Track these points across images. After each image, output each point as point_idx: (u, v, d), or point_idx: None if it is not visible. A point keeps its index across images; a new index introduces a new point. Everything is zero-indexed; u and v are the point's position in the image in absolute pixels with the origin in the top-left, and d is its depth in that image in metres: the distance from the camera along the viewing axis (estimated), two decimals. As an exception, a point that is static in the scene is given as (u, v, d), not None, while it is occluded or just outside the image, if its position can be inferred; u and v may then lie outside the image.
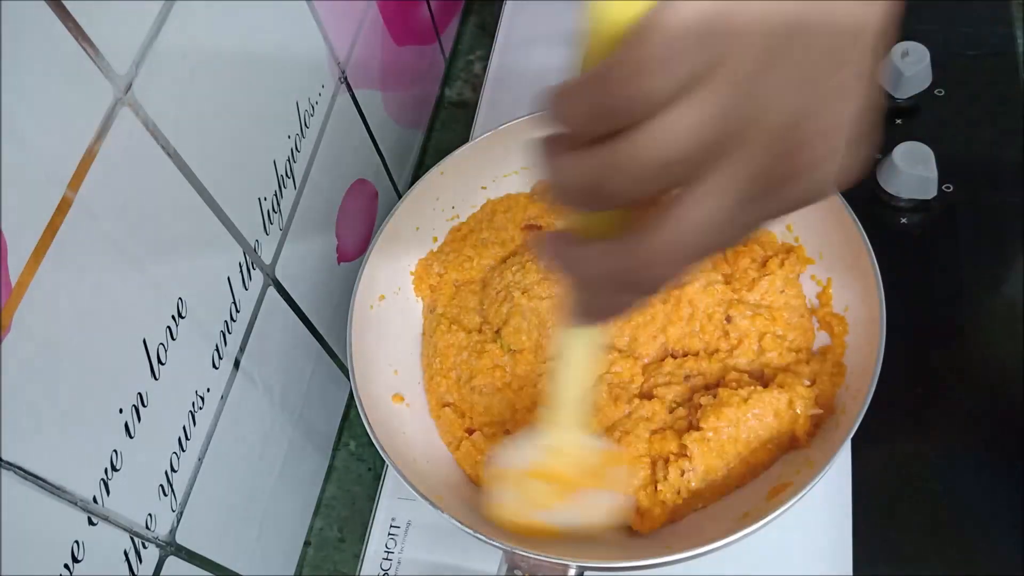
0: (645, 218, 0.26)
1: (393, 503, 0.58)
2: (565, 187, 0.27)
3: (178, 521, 0.44)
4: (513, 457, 0.43)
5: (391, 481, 0.59)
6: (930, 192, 0.62)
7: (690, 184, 0.25)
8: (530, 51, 0.77)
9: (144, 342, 0.40)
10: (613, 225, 0.29)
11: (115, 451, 0.38)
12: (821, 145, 0.26)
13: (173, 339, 0.42)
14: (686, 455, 0.49)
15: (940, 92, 0.68)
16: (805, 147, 0.26)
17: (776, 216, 0.28)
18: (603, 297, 0.30)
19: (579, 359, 0.38)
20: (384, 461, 0.50)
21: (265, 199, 0.50)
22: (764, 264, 0.56)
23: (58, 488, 0.35)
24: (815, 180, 0.26)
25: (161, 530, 0.43)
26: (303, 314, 0.57)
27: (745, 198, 0.26)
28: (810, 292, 0.55)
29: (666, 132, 0.24)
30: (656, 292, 0.28)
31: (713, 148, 0.25)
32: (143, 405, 0.40)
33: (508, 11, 0.80)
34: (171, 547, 0.44)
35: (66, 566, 0.35)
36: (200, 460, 0.46)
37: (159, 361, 0.41)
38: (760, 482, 0.50)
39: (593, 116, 0.25)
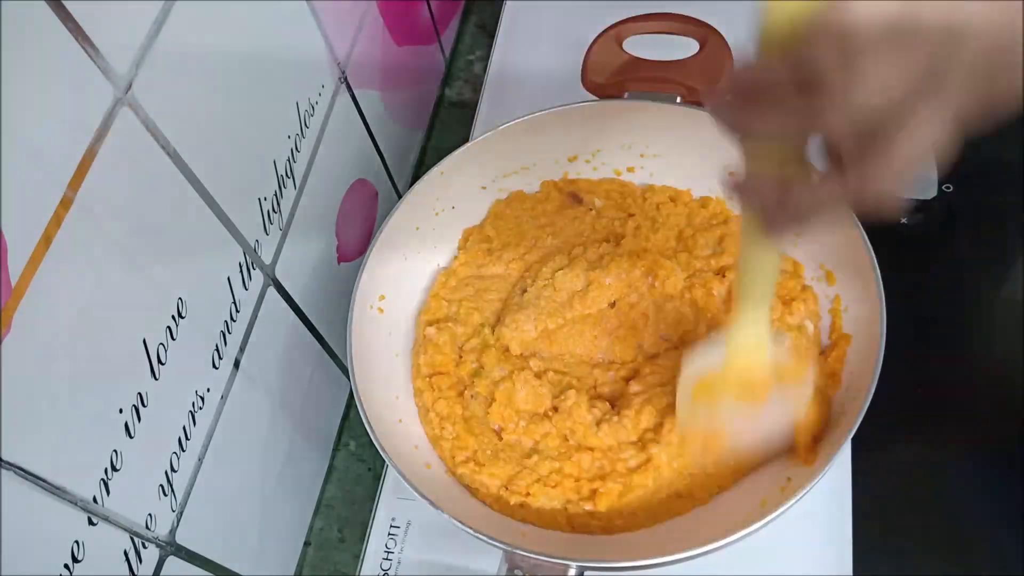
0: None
1: (393, 503, 0.58)
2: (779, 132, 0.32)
3: (178, 521, 0.44)
4: (703, 362, 0.46)
5: (391, 481, 0.59)
6: (930, 192, 0.62)
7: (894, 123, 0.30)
8: (530, 51, 0.77)
9: (144, 342, 0.40)
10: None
11: (115, 451, 0.38)
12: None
13: (173, 339, 0.42)
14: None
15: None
16: (1007, 72, 0.29)
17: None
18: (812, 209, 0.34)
19: (768, 261, 0.41)
20: (384, 461, 0.50)
21: (265, 199, 0.50)
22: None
23: (58, 488, 0.35)
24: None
25: (161, 530, 0.43)
26: (303, 314, 0.57)
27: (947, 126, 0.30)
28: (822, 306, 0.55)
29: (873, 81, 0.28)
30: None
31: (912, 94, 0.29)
32: (143, 405, 0.40)
33: (508, 11, 0.80)
34: (171, 547, 0.44)
35: (66, 566, 0.35)
36: (200, 460, 0.46)
37: (159, 361, 0.41)
38: (758, 484, 0.50)
39: (797, 68, 0.29)
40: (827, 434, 0.49)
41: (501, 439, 0.53)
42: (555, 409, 0.53)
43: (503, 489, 0.51)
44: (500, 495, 0.51)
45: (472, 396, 0.55)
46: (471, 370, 0.56)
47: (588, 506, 0.50)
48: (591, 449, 0.51)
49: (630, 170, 0.63)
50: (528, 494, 0.51)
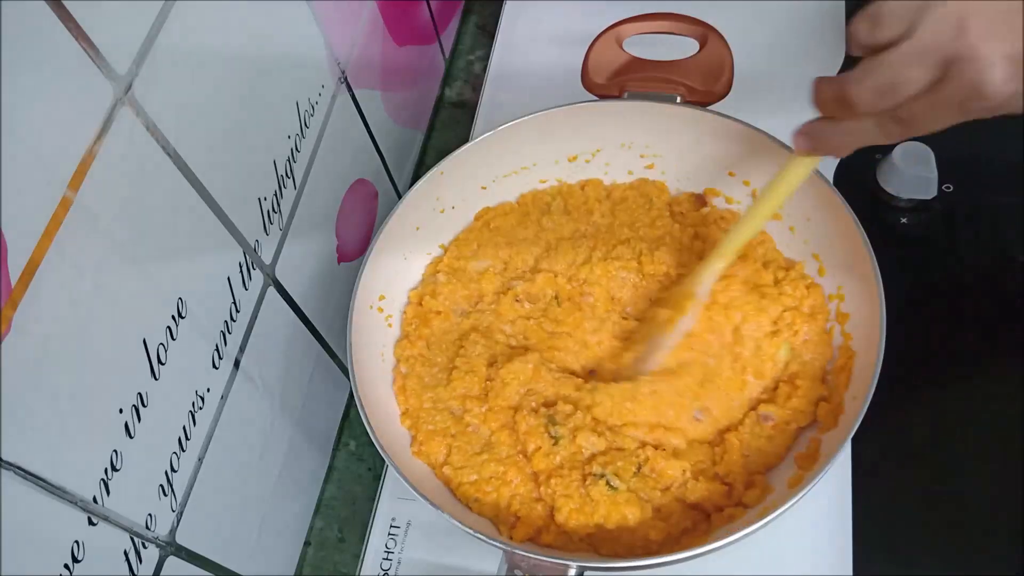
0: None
1: (393, 503, 0.58)
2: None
3: (178, 521, 0.44)
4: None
5: (391, 481, 0.59)
6: (930, 192, 0.62)
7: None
8: (530, 51, 0.77)
9: (144, 342, 0.40)
10: None
11: (115, 451, 0.38)
12: (982, 47, 0.35)
13: (173, 339, 0.42)
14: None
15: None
16: (965, 45, 0.35)
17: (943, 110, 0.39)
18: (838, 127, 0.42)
19: (786, 186, 0.49)
20: (384, 461, 0.50)
21: (265, 199, 0.50)
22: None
23: (58, 488, 0.35)
24: (972, 76, 0.36)
25: (161, 530, 0.43)
26: (303, 314, 0.57)
27: (918, 73, 0.37)
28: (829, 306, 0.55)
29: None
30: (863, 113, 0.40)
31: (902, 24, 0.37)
32: (143, 405, 0.40)
33: (508, 11, 0.80)
34: (171, 547, 0.44)
35: (66, 566, 0.35)
36: (200, 460, 0.46)
37: (159, 361, 0.41)
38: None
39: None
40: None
41: (463, 422, 0.53)
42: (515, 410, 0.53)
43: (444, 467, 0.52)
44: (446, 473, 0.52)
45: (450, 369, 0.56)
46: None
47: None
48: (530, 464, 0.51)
49: (630, 173, 0.63)
50: (459, 484, 0.51)
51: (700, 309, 0.53)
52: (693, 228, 0.59)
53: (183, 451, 0.44)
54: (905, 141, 0.62)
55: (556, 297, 0.58)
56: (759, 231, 0.53)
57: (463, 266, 0.60)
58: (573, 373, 0.55)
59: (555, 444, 0.51)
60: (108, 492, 0.38)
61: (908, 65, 0.37)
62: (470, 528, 0.45)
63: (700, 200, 0.61)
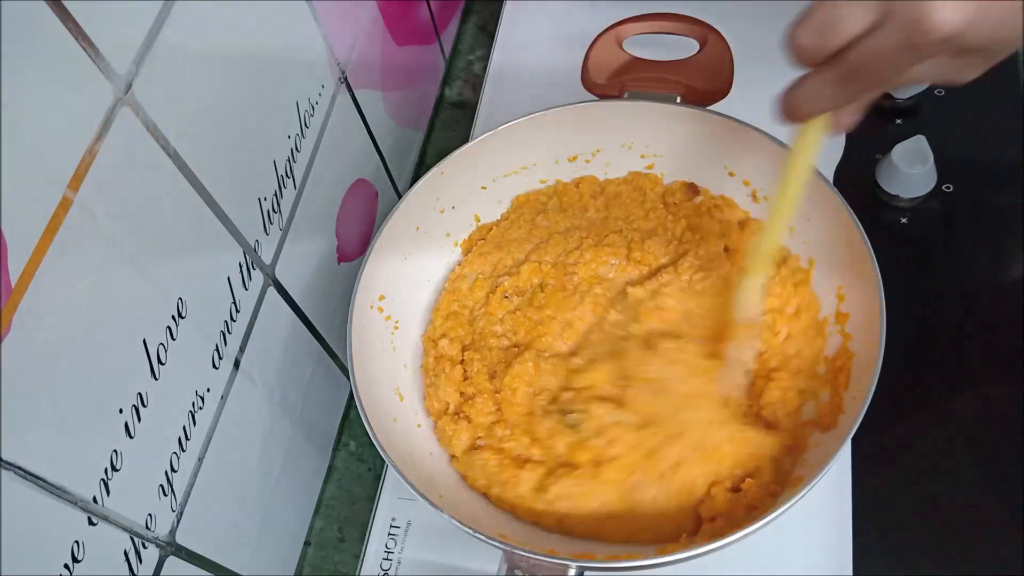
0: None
1: (393, 503, 0.58)
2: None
3: (178, 521, 0.44)
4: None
5: (391, 481, 0.59)
6: (929, 187, 0.62)
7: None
8: (530, 51, 0.77)
9: (144, 342, 0.40)
10: None
11: (115, 451, 0.38)
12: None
13: (173, 339, 0.42)
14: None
15: (940, 92, 0.68)
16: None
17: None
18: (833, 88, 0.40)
19: (803, 163, 0.45)
20: (384, 461, 0.50)
21: (265, 199, 0.50)
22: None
23: (58, 488, 0.35)
24: (912, 8, 0.34)
25: (161, 530, 0.43)
26: (303, 314, 0.57)
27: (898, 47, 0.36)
28: (828, 305, 0.55)
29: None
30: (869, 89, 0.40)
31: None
32: (143, 405, 0.40)
33: (508, 11, 0.80)
34: (171, 547, 0.44)
35: (66, 566, 0.35)
36: (200, 460, 0.46)
37: (159, 361, 0.41)
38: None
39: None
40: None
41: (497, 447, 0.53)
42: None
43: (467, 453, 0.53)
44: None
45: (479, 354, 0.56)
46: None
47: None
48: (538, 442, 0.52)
49: (629, 173, 0.63)
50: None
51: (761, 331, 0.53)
52: (686, 220, 0.59)
53: (183, 451, 0.44)
54: (904, 140, 0.62)
55: (541, 285, 0.58)
56: (783, 231, 0.50)
57: (460, 287, 0.60)
58: (561, 356, 0.56)
59: (576, 430, 0.51)
60: (108, 492, 0.38)
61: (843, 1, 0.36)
62: (470, 528, 0.45)
63: (692, 189, 0.61)
